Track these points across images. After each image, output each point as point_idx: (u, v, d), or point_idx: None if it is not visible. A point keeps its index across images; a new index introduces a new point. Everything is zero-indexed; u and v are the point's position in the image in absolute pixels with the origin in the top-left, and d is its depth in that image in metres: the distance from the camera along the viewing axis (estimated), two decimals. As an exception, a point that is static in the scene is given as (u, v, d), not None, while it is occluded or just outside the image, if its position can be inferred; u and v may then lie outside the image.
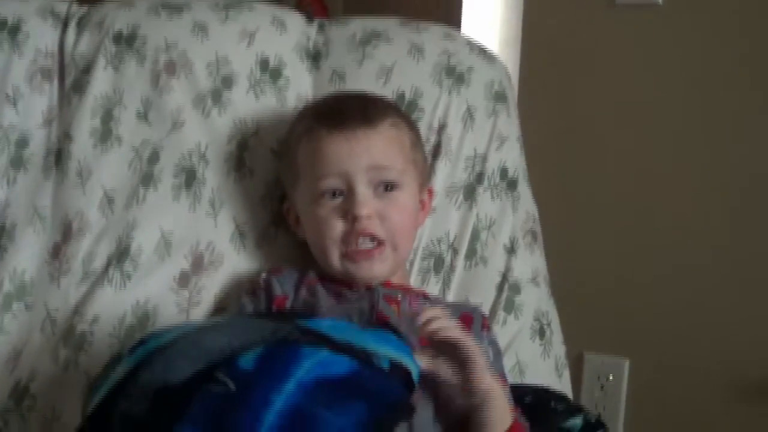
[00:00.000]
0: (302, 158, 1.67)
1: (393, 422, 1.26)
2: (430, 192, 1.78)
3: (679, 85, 2.56)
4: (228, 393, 1.21)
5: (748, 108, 2.49)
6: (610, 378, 2.66)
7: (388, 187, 1.63)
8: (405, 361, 1.33)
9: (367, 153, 1.62)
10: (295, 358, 1.24)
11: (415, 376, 1.34)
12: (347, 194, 1.62)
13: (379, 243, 1.62)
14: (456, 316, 1.60)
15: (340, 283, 1.63)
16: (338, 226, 1.61)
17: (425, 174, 1.77)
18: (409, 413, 1.33)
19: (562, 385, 1.86)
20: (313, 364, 1.24)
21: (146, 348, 1.30)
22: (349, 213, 1.60)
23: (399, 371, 1.32)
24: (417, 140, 1.76)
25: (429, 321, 1.42)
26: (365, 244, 1.61)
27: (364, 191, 1.61)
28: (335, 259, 1.62)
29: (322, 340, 1.29)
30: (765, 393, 2.47)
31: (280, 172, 1.78)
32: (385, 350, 1.32)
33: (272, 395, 1.19)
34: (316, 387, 1.22)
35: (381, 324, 1.51)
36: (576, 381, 1.93)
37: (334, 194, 1.62)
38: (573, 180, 2.67)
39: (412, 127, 1.77)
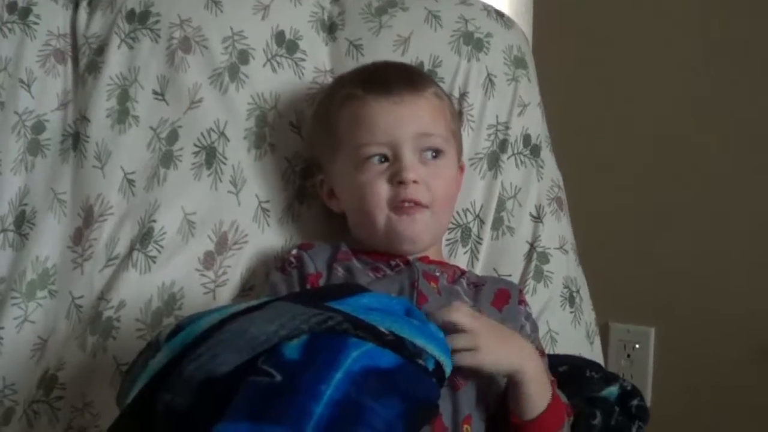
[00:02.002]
0: (344, 125, 1.65)
1: (421, 422, 1.25)
2: (462, 168, 1.77)
3: (692, 43, 2.54)
4: (273, 383, 1.18)
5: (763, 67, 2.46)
6: (636, 347, 2.66)
7: (434, 154, 1.63)
8: (444, 361, 1.31)
9: (414, 119, 1.62)
10: (342, 347, 1.22)
11: (447, 374, 1.33)
12: (393, 160, 1.61)
13: (422, 206, 1.60)
14: (493, 290, 1.61)
15: (377, 256, 1.62)
16: (384, 189, 1.60)
17: (461, 148, 1.76)
18: (432, 416, 1.32)
19: (594, 353, 1.84)
20: (360, 354, 1.21)
21: (185, 335, 1.27)
22: (395, 177, 1.59)
23: (439, 372, 1.30)
24: (455, 112, 1.77)
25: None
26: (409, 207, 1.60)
27: (410, 157, 1.60)
28: (381, 219, 1.60)
29: (372, 334, 1.25)
30: (791, 359, 2.46)
31: (312, 143, 1.76)
32: (432, 349, 1.29)
33: (321, 385, 1.16)
34: (364, 376, 1.19)
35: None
36: (602, 350, 1.91)
37: (379, 160, 1.61)
38: (592, 147, 2.65)
39: (450, 98, 1.78)
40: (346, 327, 1.25)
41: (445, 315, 1.40)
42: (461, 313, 1.41)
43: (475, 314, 1.45)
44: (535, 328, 1.66)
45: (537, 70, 1.99)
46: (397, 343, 1.26)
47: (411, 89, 1.64)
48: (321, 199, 1.74)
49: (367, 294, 1.35)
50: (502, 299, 1.61)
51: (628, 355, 2.66)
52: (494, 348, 1.41)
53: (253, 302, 1.32)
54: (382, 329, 1.26)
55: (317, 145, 1.74)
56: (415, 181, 1.59)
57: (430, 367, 1.29)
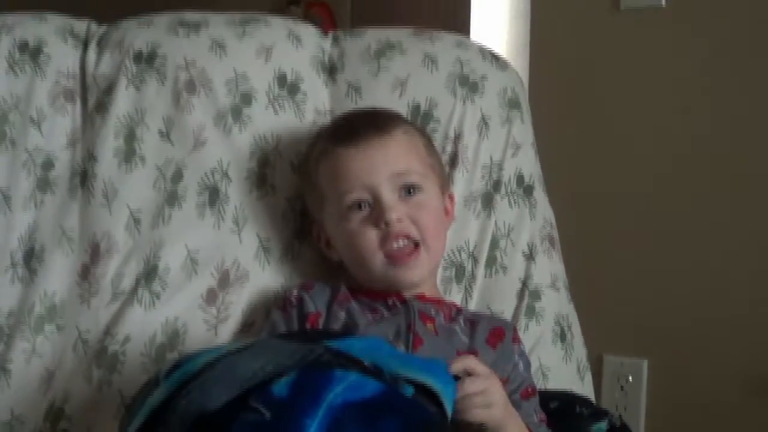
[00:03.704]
0: (324, 180, 1.71)
1: None
2: (452, 198, 1.81)
3: (685, 86, 2.58)
4: (263, 421, 1.23)
5: (754, 109, 2.50)
6: (630, 379, 2.68)
7: (411, 190, 1.67)
8: (438, 389, 1.34)
9: (385, 161, 1.67)
10: (326, 381, 1.27)
11: (448, 406, 1.35)
12: (374, 204, 1.65)
13: (416, 245, 1.65)
14: (488, 328, 1.65)
15: (375, 296, 1.66)
16: (372, 235, 1.64)
17: (444, 178, 1.81)
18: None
19: (585, 388, 1.89)
20: (344, 387, 1.26)
21: (182, 372, 1.32)
22: (380, 220, 1.64)
23: (428, 397, 1.33)
24: (430, 145, 1.80)
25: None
26: (401, 245, 1.64)
27: (390, 197, 1.65)
28: (377, 265, 1.65)
29: (353, 363, 1.31)
30: (785, 393, 2.49)
31: (305, 198, 1.81)
32: (418, 377, 1.33)
33: (305, 420, 1.21)
34: (345, 409, 1.24)
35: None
36: (596, 383, 1.95)
37: (360, 207, 1.66)
38: (585, 184, 2.69)
39: (423, 133, 1.81)
40: (328, 359, 1.31)
41: (462, 362, 1.45)
42: (473, 362, 1.47)
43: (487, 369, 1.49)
44: (527, 366, 1.70)
45: (532, 109, 2.03)
46: (377, 373, 1.31)
47: (378, 132, 1.68)
48: (320, 251, 1.78)
49: (356, 337, 1.41)
50: (497, 337, 1.66)
51: (622, 387, 2.68)
52: (501, 403, 1.47)
53: (248, 341, 1.37)
54: (365, 361, 1.32)
55: (308, 200, 1.79)
56: (399, 219, 1.64)
57: (408, 393, 1.32)
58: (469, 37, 2.74)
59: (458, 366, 1.44)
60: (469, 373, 1.45)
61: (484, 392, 1.44)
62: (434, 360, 1.41)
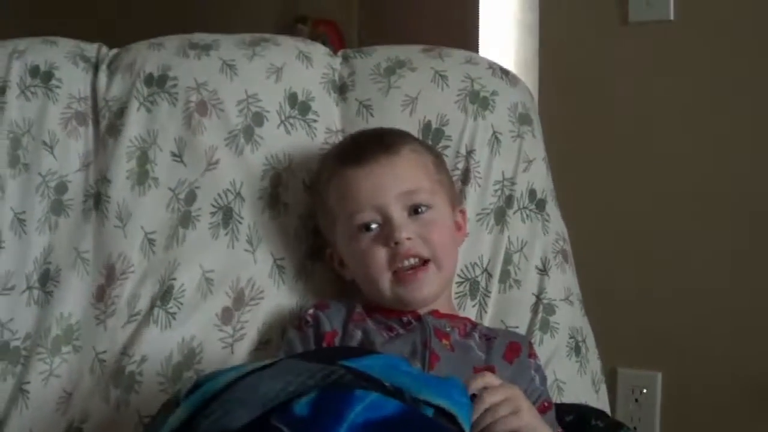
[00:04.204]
0: (333, 201, 1.72)
1: None
2: (464, 213, 1.82)
3: (694, 99, 2.58)
4: None
5: (763, 121, 2.50)
6: (644, 392, 2.68)
7: (421, 209, 1.67)
8: (455, 410, 1.34)
9: (394, 180, 1.67)
10: (347, 401, 1.27)
11: (466, 427, 1.35)
12: (383, 223, 1.66)
13: (424, 262, 1.65)
14: (505, 343, 1.66)
15: (389, 313, 1.67)
16: (381, 253, 1.65)
17: (454, 194, 1.81)
18: None
19: (600, 401, 1.89)
20: (364, 407, 1.26)
21: (203, 392, 1.33)
22: (389, 239, 1.64)
23: (446, 417, 1.33)
24: (439, 162, 1.80)
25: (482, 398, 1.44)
26: (411, 263, 1.65)
27: (399, 216, 1.65)
28: (385, 285, 1.66)
29: (373, 383, 1.31)
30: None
31: (317, 219, 1.82)
32: (436, 399, 1.33)
33: None
34: (366, 428, 1.24)
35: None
36: (610, 395, 1.95)
37: (369, 227, 1.66)
38: (597, 197, 2.70)
39: (431, 150, 1.82)
40: (349, 379, 1.31)
41: (481, 380, 1.45)
42: (491, 378, 1.47)
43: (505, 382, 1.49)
44: (543, 380, 1.70)
45: (542, 123, 2.04)
46: (398, 394, 1.32)
47: (385, 152, 1.69)
48: (333, 270, 1.79)
49: (374, 355, 1.41)
50: (514, 352, 1.67)
51: (636, 400, 2.68)
52: (528, 408, 1.46)
53: (267, 361, 1.37)
54: (386, 383, 1.32)
55: (320, 220, 1.80)
56: (409, 238, 1.64)
57: (428, 413, 1.32)
58: (477, 52, 2.75)
59: (477, 384, 1.44)
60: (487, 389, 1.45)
61: (508, 400, 1.44)
62: (451, 379, 1.41)
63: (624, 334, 2.62)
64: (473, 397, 1.42)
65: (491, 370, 1.59)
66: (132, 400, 1.70)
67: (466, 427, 1.35)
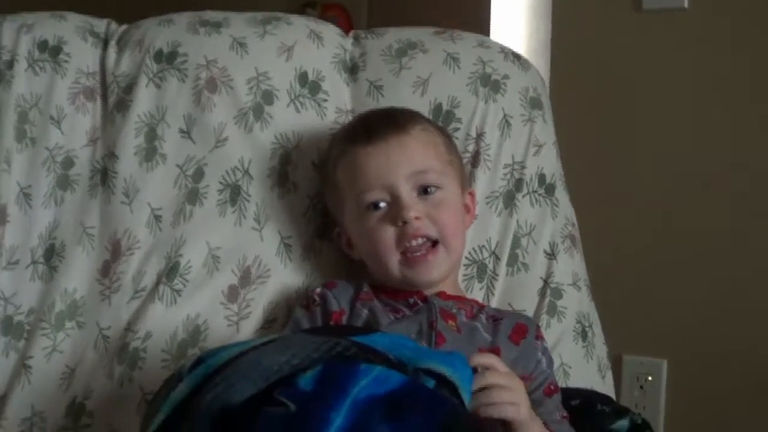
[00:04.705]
0: (342, 179, 1.70)
1: (460, 425, 1.26)
2: (473, 195, 1.81)
3: (707, 87, 2.57)
4: (289, 414, 1.22)
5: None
6: (649, 379, 2.68)
7: (430, 189, 1.66)
8: (455, 378, 1.34)
9: (404, 159, 1.66)
10: (352, 375, 1.26)
11: (466, 397, 1.35)
12: (392, 202, 1.64)
13: (433, 243, 1.64)
14: (511, 325, 1.64)
15: (396, 294, 1.66)
16: (389, 232, 1.64)
17: (464, 176, 1.80)
18: (474, 424, 1.33)
19: (605, 386, 1.88)
20: (369, 380, 1.26)
21: (206, 366, 1.32)
22: (398, 218, 1.63)
23: (448, 388, 1.33)
24: (449, 142, 1.79)
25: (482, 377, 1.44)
26: (419, 243, 1.64)
27: (408, 196, 1.64)
28: (393, 265, 1.64)
29: (378, 357, 1.31)
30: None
31: (326, 199, 1.81)
32: (438, 367, 1.33)
33: (331, 414, 1.20)
34: (370, 403, 1.23)
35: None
36: (615, 382, 1.94)
37: (378, 206, 1.65)
38: (606, 184, 2.69)
39: (442, 131, 1.80)
40: (354, 351, 1.31)
41: (484, 358, 1.45)
42: (497, 361, 1.46)
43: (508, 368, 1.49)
44: (550, 363, 1.69)
45: (552, 109, 2.03)
46: (401, 367, 1.31)
47: (396, 130, 1.68)
48: (341, 250, 1.78)
49: (381, 333, 1.41)
50: (520, 334, 1.65)
51: (641, 387, 2.68)
52: (526, 402, 1.46)
53: (272, 336, 1.36)
54: (390, 356, 1.32)
55: (328, 200, 1.79)
56: (417, 218, 1.63)
57: (430, 385, 1.32)
58: (489, 37, 2.74)
59: (482, 360, 1.44)
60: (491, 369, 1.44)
61: (510, 389, 1.44)
62: (455, 353, 1.40)
63: (630, 321, 2.62)
64: (475, 371, 1.41)
65: (496, 351, 1.59)
66: (136, 376, 1.70)
67: (466, 399, 1.34)
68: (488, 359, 1.46)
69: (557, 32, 2.79)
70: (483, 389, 1.43)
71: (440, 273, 1.66)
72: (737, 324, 2.56)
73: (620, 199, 2.69)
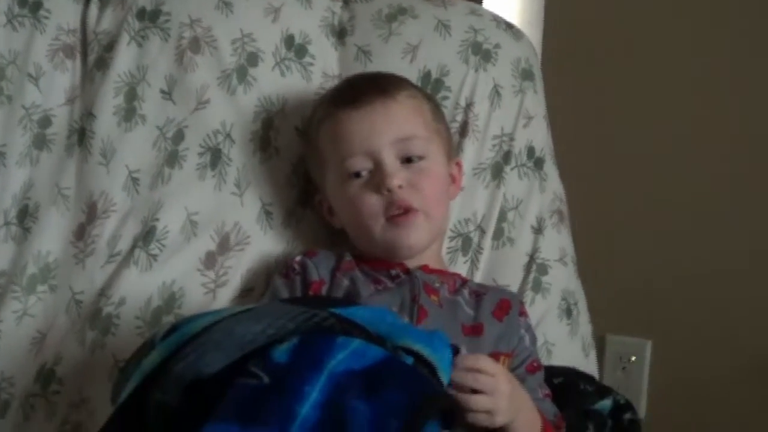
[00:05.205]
0: (325, 144, 1.67)
1: (431, 410, 1.22)
2: (459, 165, 1.77)
3: (705, 59, 2.54)
4: (262, 386, 1.20)
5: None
6: (632, 359, 2.66)
7: (414, 159, 1.62)
8: (434, 358, 1.30)
9: (389, 125, 1.62)
10: (328, 348, 1.23)
11: (444, 377, 1.31)
12: (375, 169, 1.61)
13: (414, 210, 1.60)
14: (495, 300, 1.61)
15: (378, 264, 1.62)
16: (374, 200, 1.60)
17: (451, 145, 1.77)
18: (448, 404, 1.29)
19: (589, 365, 1.86)
20: (346, 354, 1.23)
21: (179, 334, 1.28)
22: (381, 187, 1.59)
23: (426, 367, 1.29)
24: (437, 110, 1.75)
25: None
26: (400, 212, 1.60)
27: (392, 163, 1.61)
28: (378, 229, 1.60)
29: (356, 329, 1.27)
30: (790, 374, 2.47)
31: (307, 165, 1.77)
32: (415, 345, 1.29)
33: (305, 387, 1.18)
34: (347, 377, 1.20)
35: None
36: (598, 362, 1.93)
37: (360, 174, 1.62)
38: (597, 160, 2.65)
39: (430, 98, 1.77)
40: (332, 323, 1.27)
41: (473, 361, 1.39)
42: (489, 365, 1.40)
43: (498, 368, 1.43)
44: (534, 340, 1.66)
45: (545, 81, 1.99)
46: (380, 341, 1.28)
47: (381, 95, 1.64)
48: (322, 218, 1.75)
49: (361, 306, 1.37)
50: (503, 310, 1.62)
51: (624, 368, 2.66)
52: (506, 410, 1.40)
53: (250, 305, 1.33)
54: (370, 329, 1.28)
55: (310, 166, 1.76)
56: (400, 186, 1.59)
57: (408, 362, 1.28)
58: (481, 5, 2.70)
59: (470, 362, 1.38)
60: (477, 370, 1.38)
61: (490, 394, 1.38)
62: (435, 332, 1.37)
63: (614, 301, 2.59)
64: (457, 352, 1.37)
65: (479, 327, 1.56)
66: (108, 342, 1.66)
67: (445, 379, 1.31)
68: (480, 363, 1.40)
69: (550, 3, 2.75)
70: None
71: (419, 238, 1.62)
72: (722, 305, 2.53)
73: (610, 177, 2.65)
